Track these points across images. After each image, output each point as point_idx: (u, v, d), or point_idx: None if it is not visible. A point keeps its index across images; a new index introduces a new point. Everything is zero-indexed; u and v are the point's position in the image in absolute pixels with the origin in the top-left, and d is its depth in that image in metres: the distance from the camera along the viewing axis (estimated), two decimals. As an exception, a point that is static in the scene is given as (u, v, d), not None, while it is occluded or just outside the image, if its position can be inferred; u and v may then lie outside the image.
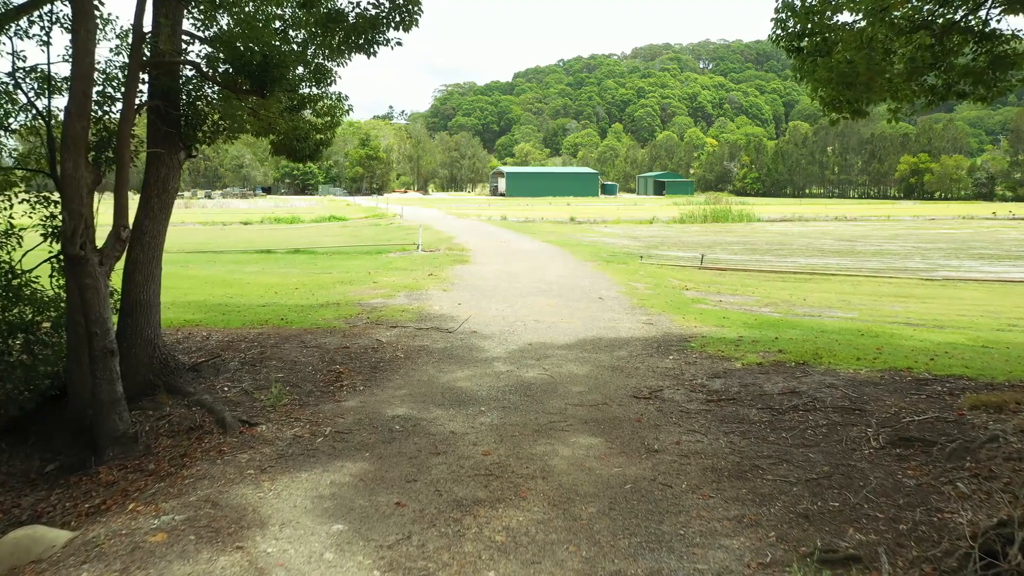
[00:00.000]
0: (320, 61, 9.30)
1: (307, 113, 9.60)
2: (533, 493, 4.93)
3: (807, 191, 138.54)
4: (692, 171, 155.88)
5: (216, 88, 7.35)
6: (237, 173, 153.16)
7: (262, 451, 5.75)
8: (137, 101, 6.91)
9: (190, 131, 7.30)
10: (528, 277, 16.09)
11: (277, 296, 13.70)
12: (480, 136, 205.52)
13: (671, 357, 8.71)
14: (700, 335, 9.89)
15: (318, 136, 9.21)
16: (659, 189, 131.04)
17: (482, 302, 12.68)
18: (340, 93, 9.51)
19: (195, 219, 48.23)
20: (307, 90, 9.49)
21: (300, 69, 9.22)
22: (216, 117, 7.45)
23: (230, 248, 24.62)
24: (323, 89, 9.54)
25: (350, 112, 9.48)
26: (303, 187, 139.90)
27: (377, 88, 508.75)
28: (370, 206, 66.14)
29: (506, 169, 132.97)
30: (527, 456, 5.59)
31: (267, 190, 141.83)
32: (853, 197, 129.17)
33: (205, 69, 7.23)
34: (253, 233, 34.86)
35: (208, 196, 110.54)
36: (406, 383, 7.64)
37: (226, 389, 7.26)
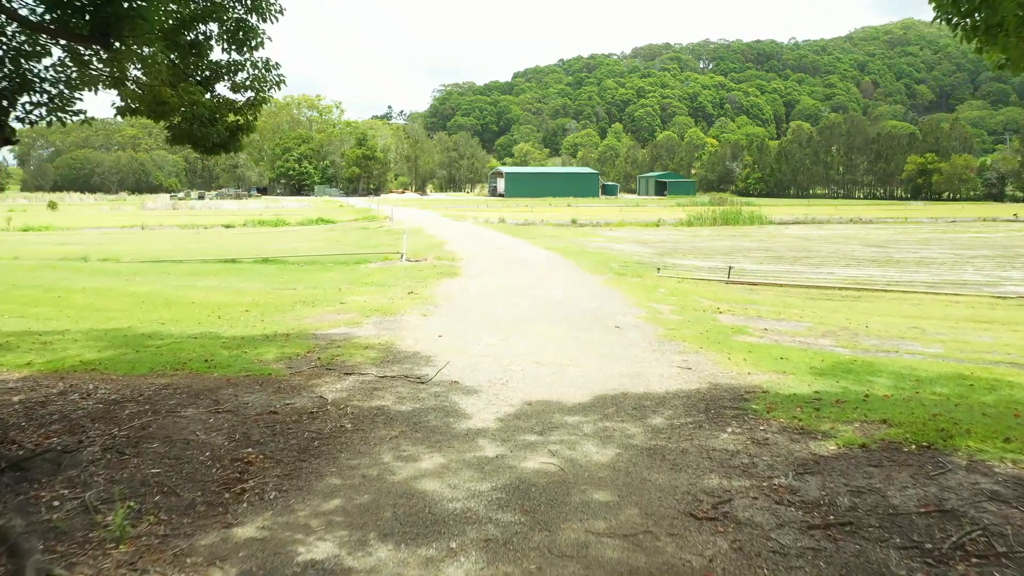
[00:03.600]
0: (240, 15, 6.77)
1: (224, 87, 7.07)
2: None
3: (811, 191, 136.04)
4: (693, 171, 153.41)
5: (45, 39, 4.79)
6: (232, 173, 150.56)
7: (47, 666, 3.19)
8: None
9: (4, 104, 4.75)
10: (527, 296, 13.54)
11: (219, 322, 11.16)
12: (479, 136, 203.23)
13: (729, 430, 6.15)
14: (760, 388, 7.34)
15: (233, 118, 6.67)
16: (660, 189, 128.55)
17: (469, 333, 10.12)
18: (268, 60, 6.99)
19: (176, 222, 45.78)
20: (225, 56, 6.96)
21: (212, 26, 6.67)
22: (46, 84, 4.90)
23: (194, 256, 22.04)
24: (246, 55, 7.01)
25: (281, 86, 6.94)
26: (299, 188, 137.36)
27: (376, 88, 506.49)
28: (363, 207, 63.68)
29: (505, 169, 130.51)
30: None
31: (263, 190, 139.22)
32: (858, 198, 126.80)
33: (28, 13, 4.67)
34: (230, 238, 32.31)
35: (201, 197, 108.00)
36: (344, 484, 5.09)
37: (57, 504, 4.68)
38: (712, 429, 6.18)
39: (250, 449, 5.66)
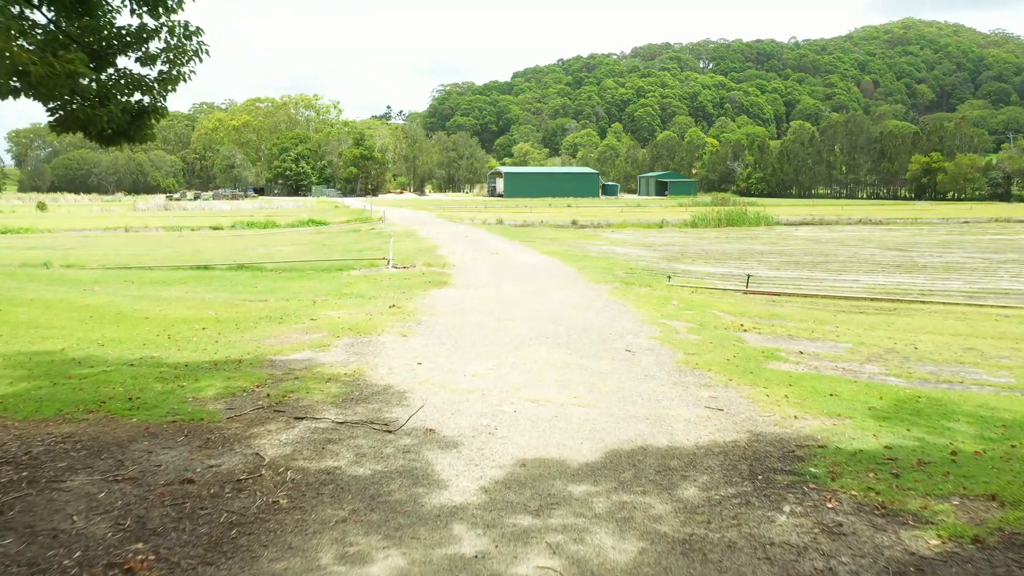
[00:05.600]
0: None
1: (132, 61, 5.55)
2: None
3: (812, 191, 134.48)
4: (694, 171, 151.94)
5: None
6: (228, 174, 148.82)
7: None
8: None
9: None
10: (524, 310, 12.02)
11: (168, 343, 9.65)
12: (478, 136, 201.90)
13: (787, 509, 4.64)
14: (814, 441, 5.83)
15: (135, 99, 5.17)
16: (661, 189, 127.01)
17: (454, 359, 8.61)
18: (187, 24, 5.48)
19: (163, 223, 44.23)
20: (133, 20, 5.46)
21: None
22: None
23: (167, 262, 20.52)
24: (162, 20, 5.50)
25: (202, 59, 5.43)
26: (296, 188, 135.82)
27: (374, 88, 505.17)
28: (358, 208, 62.16)
29: (504, 169, 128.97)
30: None
31: (260, 191, 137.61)
32: (862, 197, 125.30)
33: None
34: (212, 241, 30.78)
35: (196, 197, 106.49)
36: (256, 609, 3.58)
37: None
38: (764, 507, 4.67)
39: (140, 544, 4.14)
